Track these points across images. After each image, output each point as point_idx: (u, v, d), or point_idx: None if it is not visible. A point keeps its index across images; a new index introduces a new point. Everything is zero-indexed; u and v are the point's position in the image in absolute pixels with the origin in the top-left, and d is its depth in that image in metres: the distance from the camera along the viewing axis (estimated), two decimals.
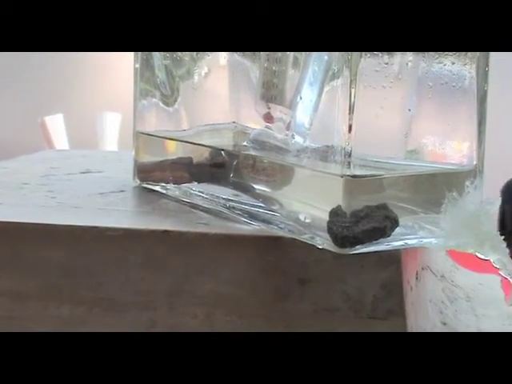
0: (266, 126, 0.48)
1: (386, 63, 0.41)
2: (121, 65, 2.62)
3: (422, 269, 0.57)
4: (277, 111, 0.47)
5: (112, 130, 2.65)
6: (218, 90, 0.56)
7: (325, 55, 0.42)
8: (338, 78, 0.41)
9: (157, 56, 0.57)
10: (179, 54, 0.56)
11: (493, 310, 0.65)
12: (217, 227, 0.47)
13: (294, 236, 0.44)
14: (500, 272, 0.43)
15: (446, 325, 0.59)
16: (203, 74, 0.56)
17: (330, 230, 0.41)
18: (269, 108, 0.48)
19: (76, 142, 2.86)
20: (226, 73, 0.54)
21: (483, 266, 0.45)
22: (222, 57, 0.54)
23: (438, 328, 0.57)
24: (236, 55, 0.51)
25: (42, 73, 3.97)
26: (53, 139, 3.09)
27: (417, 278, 0.53)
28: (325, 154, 0.42)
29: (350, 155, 0.40)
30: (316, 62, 0.43)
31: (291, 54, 0.46)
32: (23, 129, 3.59)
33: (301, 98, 0.44)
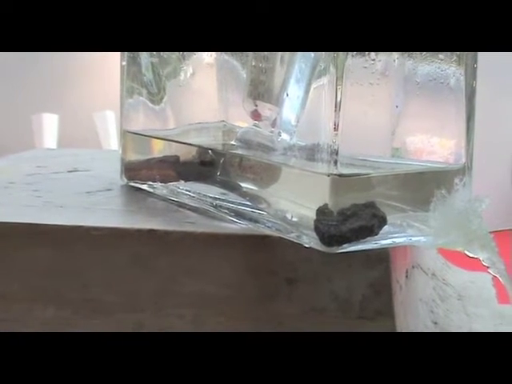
0: (254, 124, 0.48)
1: (373, 60, 0.41)
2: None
3: (413, 267, 0.57)
4: (264, 109, 0.47)
5: (112, 129, 2.65)
6: (206, 89, 0.55)
7: (311, 52, 0.42)
8: (325, 75, 0.41)
9: (144, 54, 0.56)
10: (166, 52, 0.56)
11: (484, 309, 0.65)
12: (203, 226, 0.46)
13: (281, 235, 0.43)
14: (489, 270, 0.43)
15: (437, 324, 0.58)
16: (190, 72, 0.55)
17: (316, 229, 0.41)
18: (256, 105, 0.47)
19: (73, 141, 2.86)
20: (213, 71, 0.54)
21: (475, 264, 0.45)
22: (210, 55, 0.53)
23: (429, 328, 0.56)
24: (224, 54, 0.51)
25: (37, 72, 3.96)
26: (44, 138, 3.08)
27: (407, 277, 0.52)
28: (311, 152, 0.42)
29: (336, 153, 0.40)
30: (303, 58, 0.43)
31: (279, 52, 0.45)
32: (15, 128, 3.58)
33: (287, 95, 0.44)
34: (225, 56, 0.51)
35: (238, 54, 0.49)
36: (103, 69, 2.88)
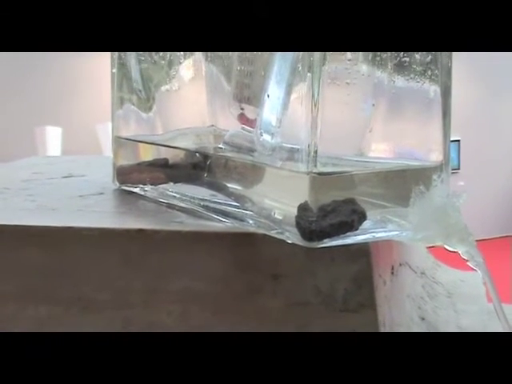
0: (243, 128, 0.49)
1: (349, 59, 0.42)
2: None
3: (400, 265, 0.58)
4: (250, 112, 0.48)
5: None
6: (195, 95, 0.56)
7: (289, 53, 0.43)
8: (303, 75, 0.42)
9: (133, 61, 0.58)
10: (155, 58, 0.57)
11: (473, 306, 0.66)
12: (191, 225, 0.47)
13: (265, 232, 0.44)
14: (468, 264, 0.44)
15: (425, 320, 0.59)
16: (179, 79, 0.57)
17: (298, 225, 0.42)
18: (242, 109, 0.48)
19: (77, 153, 2.88)
20: (201, 77, 0.55)
21: (466, 263, 0.46)
22: (198, 61, 0.54)
23: (416, 323, 0.57)
24: (210, 62, 0.52)
25: (40, 85, 3.98)
26: (48, 151, 3.11)
27: (392, 273, 0.53)
28: (292, 152, 0.43)
29: (315, 152, 0.41)
30: (282, 59, 0.44)
31: (264, 55, 0.46)
32: (19, 140, 3.60)
33: (268, 96, 0.45)
34: (211, 65, 0.52)
35: (224, 58, 0.50)
36: (106, 81, 2.90)
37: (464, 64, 4.15)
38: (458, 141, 4.90)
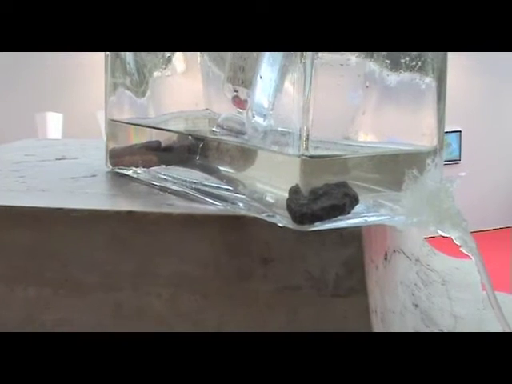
0: (238, 112, 0.48)
1: None
2: None
3: (394, 251, 0.57)
4: (244, 94, 0.48)
5: None
6: (189, 79, 0.56)
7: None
8: (296, 57, 0.41)
9: None
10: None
11: (468, 294, 0.66)
12: (181, 208, 0.47)
13: (256, 215, 0.44)
14: (461, 249, 0.44)
15: (418, 307, 0.59)
16: (173, 63, 0.56)
17: (289, 208, 0.41)
18: (236, 91, 0.48)
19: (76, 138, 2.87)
20: (196, 61, 0.54)
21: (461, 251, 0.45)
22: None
23: (409, 310, 0.57)
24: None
25: (41, 72, 3.98)
26: (49, 136, 3.10)
27: (386, 259, 0.53)
28: (284, 134, 0.43)
29: (307, 135, 0.41)
30: None
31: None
32: (21, 126, 3.60)
33: (261, 77, 0.45)
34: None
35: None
36: None
37: (467, 54, 4.13)
38: (460, 131, 4.89)
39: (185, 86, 0.57)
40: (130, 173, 0.57)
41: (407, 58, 0.43)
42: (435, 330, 0.55)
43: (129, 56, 0.58)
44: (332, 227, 0.42)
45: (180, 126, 0.55)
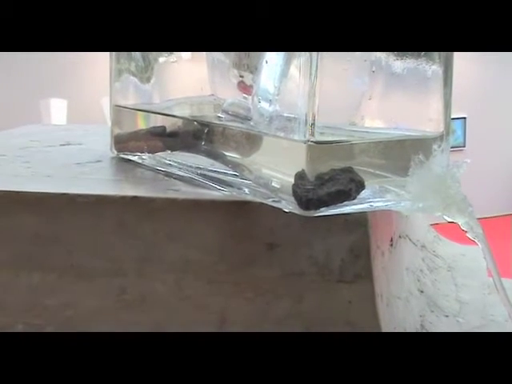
0: (244, 97, 0.48)
1: None
2: None
3: (400, 237, 0.57)
4: (250, 80, 0.47)
5: None
6: (195, 64, 0.56)
7: None
8: None
9: None
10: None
11: (473, 280, 0.66)
12: (187, 193, 0.47)
13: (261, 201, 0.44)
14: (467, 235, 0.43)
15: (424, 293, 0.59)
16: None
17: (294, 193, 0.41)
18: (242, 76, 0.48)
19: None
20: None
21: (467, 237, 0.45)
22: None
23: (415, 296, 0.57)
24: None
25: (45, 58, 3.97)
26: (53, 123, 3.10)
27: (391, 245, 0.53)
28: (290, 120, 0.42)
29: (313, 121, 0.40)
30: None
31: None
32: (26, 112, 3.60)
33: (266, 62, 0.44)
34: None
35: None
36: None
37: None
38: (465, 118, 4.88)
39: (190, 71, 0.56)
40: (135, 158, 0.57)
41: None
42: (440, 315, 0.54)
43: None
44: (338, 213, 0.42)
45: (185, 112, 0.55)
